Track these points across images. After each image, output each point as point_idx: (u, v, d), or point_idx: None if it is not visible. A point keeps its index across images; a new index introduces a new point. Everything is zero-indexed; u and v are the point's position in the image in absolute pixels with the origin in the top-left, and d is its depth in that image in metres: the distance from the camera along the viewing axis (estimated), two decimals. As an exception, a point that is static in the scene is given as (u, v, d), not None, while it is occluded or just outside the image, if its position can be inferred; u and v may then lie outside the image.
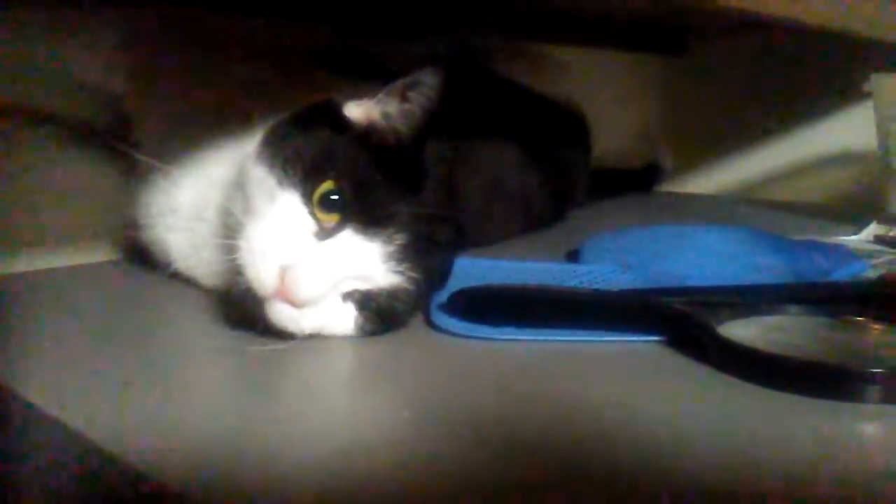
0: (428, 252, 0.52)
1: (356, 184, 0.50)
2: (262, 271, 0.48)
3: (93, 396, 0.43)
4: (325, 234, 0.50)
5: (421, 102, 0.53)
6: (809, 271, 0.68)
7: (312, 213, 0.50)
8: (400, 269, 0.51)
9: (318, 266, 0.48)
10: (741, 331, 0.50)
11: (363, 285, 0.51)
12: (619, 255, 0.72)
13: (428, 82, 0.52)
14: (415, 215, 0.51)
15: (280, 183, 0.50)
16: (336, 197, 0.50)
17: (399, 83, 0.53)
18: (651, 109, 1.51)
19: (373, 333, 0.52)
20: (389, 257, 0.50)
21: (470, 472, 0.36)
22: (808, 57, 1.27)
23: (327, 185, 0.50)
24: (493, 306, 0.56)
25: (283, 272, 0.48)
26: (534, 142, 0.93)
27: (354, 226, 0.50)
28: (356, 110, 0.55)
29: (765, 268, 0.69)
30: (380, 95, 0.54)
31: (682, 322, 0.52)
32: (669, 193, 1.40)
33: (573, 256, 0.77)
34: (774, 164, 1.36)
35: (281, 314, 0.49)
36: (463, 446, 0.38)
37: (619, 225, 0.89)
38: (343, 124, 0.54)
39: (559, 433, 0.40)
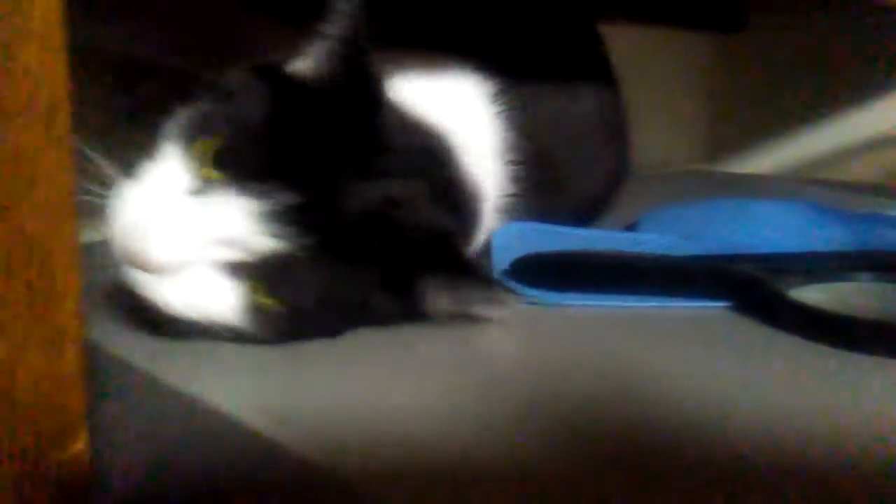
0: (348, 225, 0.43)
1: (251, 140, 0.43)
2: (117, 231, 0.41)
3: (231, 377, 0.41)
4: (201, 192, 0.42)
5: (342, 35, 0.44)
6: (875, 243, 0.67)
7: (195, 170, 0.42)
8: (286, 233, 0.41)
9: (175, 223, 0.40)
10: (812, 295, 0.49)
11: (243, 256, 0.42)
12: (681, 226, 0.71)
13: (342, 8, 0.44)
14: (338, 178, 0.43)
15: (167, 139, 0.43)
16: (224, 155, 0.42)
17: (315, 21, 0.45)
18: (706, 89, 1.48)
19: (266, 330, 0.43)
20: (270, 218, 0.41)
21: (537, 440, 0.35)
22: (870, 33, 1.24)
23: (213, 141, 0.42)
24: (558, 272, 0.56)
25: (135, 230, 0.40)
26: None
27: (237, 183, 0.41)
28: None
29: (830, 240, 0.68)
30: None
31: (751, 287, 0.51)
32: (725, 173, 1.38)
33: (631, 229, 0.76)
34: (833, 143, 1.33)
35: (139, 284, 0.42)
36: (529, 413, 0.38)
37: (674, 201, 0.88)
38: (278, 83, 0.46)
39: (629, 400, 0.40)
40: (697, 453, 0.34)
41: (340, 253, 0.43)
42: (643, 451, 0.34)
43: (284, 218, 0.41)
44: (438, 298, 0.46)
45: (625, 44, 1.28)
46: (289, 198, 0.41)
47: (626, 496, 0.30)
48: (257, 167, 0.41)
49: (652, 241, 0.68)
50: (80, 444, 0.33)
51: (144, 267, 0.40)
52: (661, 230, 0.72)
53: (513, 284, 0.55)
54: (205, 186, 0.41)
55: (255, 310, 0.42)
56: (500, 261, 0.58)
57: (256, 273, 0.42)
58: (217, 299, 0.42)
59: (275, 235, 0.41)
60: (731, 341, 0.49)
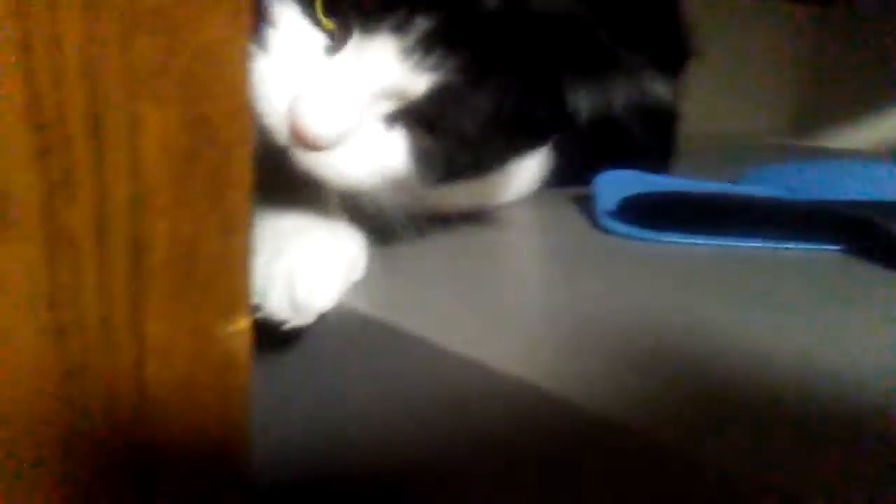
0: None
1: None
2: (270, 113, 0.39)
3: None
4: (336, 48, 0.39)
5: None
6: None
7: (318, 24, 0.40)
8: (431, 64, 0.38)
9: (329, 88, 0.38)
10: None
11: (401, 101, 0.40)
12: (784, 181, 0.71)
13: None
14: None
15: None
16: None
17: None
18: (794, 61, 1.45)
19: (434, 173, 0.42)
20: (416, 50, 0.38)
21: (644, 380, 0.36)
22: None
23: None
24: (666, 212, 0.57)
25: (294, 105, 0.38)
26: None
27: (366, 25, 0.38)
28: None
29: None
30: None
31: (865, 229, 0.51)
32: (817, 148, 1.35)
33: (735, 184, 0.76)
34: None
35: (309, 164, 0.40)
36: (639, 353, 0.39)
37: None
38: None
39: (742, 342, 0.39)
40: (807, 395, 0.34)
41: (494, 66, 0.40)
42: (750, 391, 0.34)
43: (429, 44, 0.38)
44: (587, 97, 0.42)
45: (722, 14, 1.27)
46: (426, 21, 0.38)
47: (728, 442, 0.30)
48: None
49: (757, 192, 0.68)
50: (243, 322, 0.35)
51: (312, 145, 0.38)
52: (765, 184, 0.72)
53: (619, 225, 0.56)
54: (337, 39, 0.39)
55: (425, 154, 0.41)
56: (606, 201, 0.59)
57: (418, 114, 0.40)
58: (386, 155, 0.41)
59: (426, 68, 0.38)
60: (845, 283, 0.49)
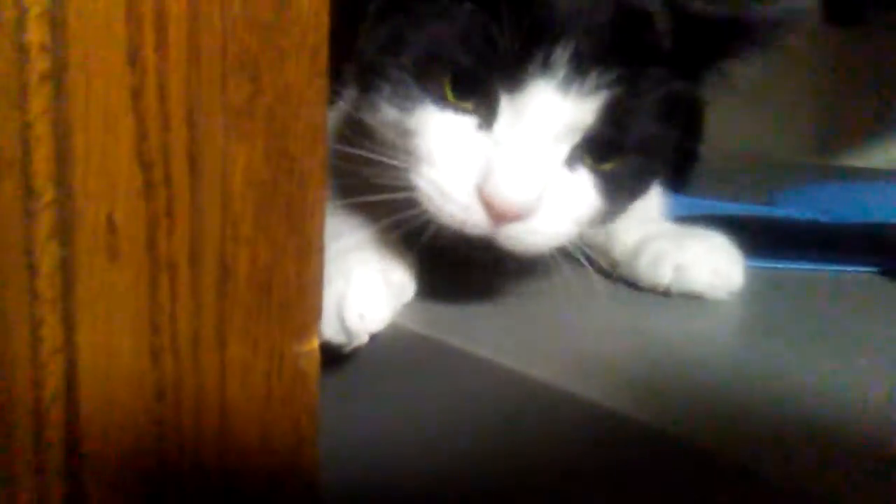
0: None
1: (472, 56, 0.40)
2: (459, 210, 0.40)
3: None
4: (488, 117, 0.41)
5: None
6: None
7: (458, 108, 0.41)
8: (591, 85, 0.39)
9: (509, 156, 0.39)
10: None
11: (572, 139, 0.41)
12: (817, 203, 0.72)
13: None
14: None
15: (408, 101, 0.41)
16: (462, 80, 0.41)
17: None
18: (818, 81, 1.46)
19: (621, 200, 0.44)
20: (568, 81, 0.39)
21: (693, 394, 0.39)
22: None
23: (449, 70, 0.41)
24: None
25: (481, 190, 0.39)
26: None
27: (503, 83, 0.40)
28: None
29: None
30: None
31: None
32: (834, 166, 1.36)
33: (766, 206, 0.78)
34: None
35: (514, 239, 0.40)
36: (686, 368, 0.41)
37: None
38: None
39: (788, 364, 0.41)
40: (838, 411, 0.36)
41: (647, 70, 0.41)
42: (799, 408, 0.36)
43: (581, 66, 0.39)
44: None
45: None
46: (568, 46, 0.39)
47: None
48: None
49: (794, 214, 0.70)
50: (314, 342, 0.38)
51: (518, 215, 0.39)
52: (796, 207, 0.73)
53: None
54: (485, 110, 0.41)
55: (611, 181, 0.42)
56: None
57: (594, 143, 0.41)
58: (580, 198, 0.42)
59: (587, 91, 0.39)
60: (880, 304, 0.50)
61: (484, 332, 0.43)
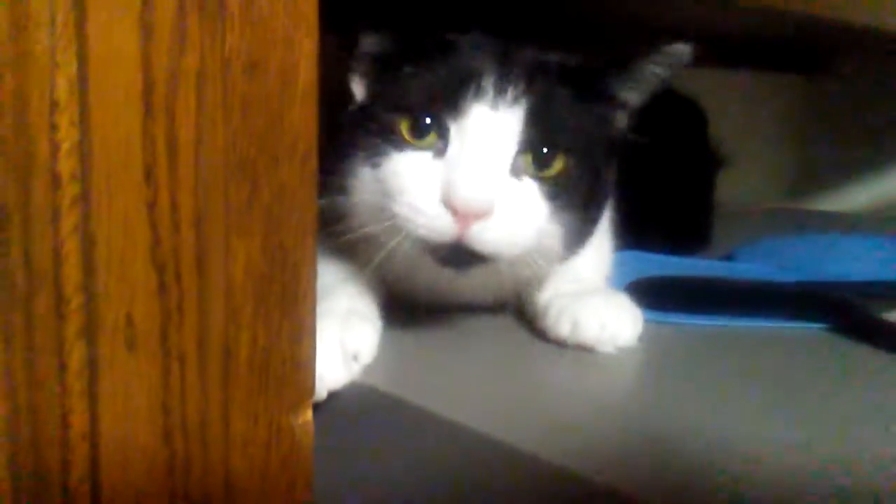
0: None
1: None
2: (428, 221, 0.49)
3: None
4: (440, 147, 0.51)
5: None
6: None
7: (416, 147, 0.51)
8: (522, 89, 0.51)
9: (465, 165, 0.49)
10: (902, 318, 0.56)
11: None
12: (775, 258, 0.77)
13: None
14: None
15: (377, 157, 0.52)
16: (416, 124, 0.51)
17: None
18: (788, 128, 1.53)
19: (568, 206, 0.53)
20: (501, 92, 0.51)
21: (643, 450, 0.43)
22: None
23: (405, 120, 0.52)
24: (665, 294, 0.63)
25: (446, 201, 0.48)
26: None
27: (449, 111, 0.51)
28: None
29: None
30: None
31: (846, 310, 0.57)
32: (807, 210, 1.42)
33: (727, 260, 0.82)
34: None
35: (480, 242, 0.49)
36: (644, 430, 0.45)
37: (762, 236, 0.94)
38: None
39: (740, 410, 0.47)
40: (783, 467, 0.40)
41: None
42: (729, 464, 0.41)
43: (511, 76, 0.52)
44: None
45: (717, 87, 1.35)
46: (495, 64, 0.52)
47: None
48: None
49: (748, 270, 0.75)
50: (308, 415, 0.41)
51: (477, 212, 0.48)
52: (757, 261, 0.78)
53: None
54: (437, 142, 0.51)
55: (547, 184, 0.52)
56: (613, 285, 0.66)
57: (535, 142, 0.51)
58: (533, 206, 0.52)
59: (520, 93, 0.51)
60: (831, 357, 0.55)
61: (442, 391, 0.47)
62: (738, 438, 0.41)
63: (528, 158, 0.52)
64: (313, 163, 0.40)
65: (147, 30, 0.32)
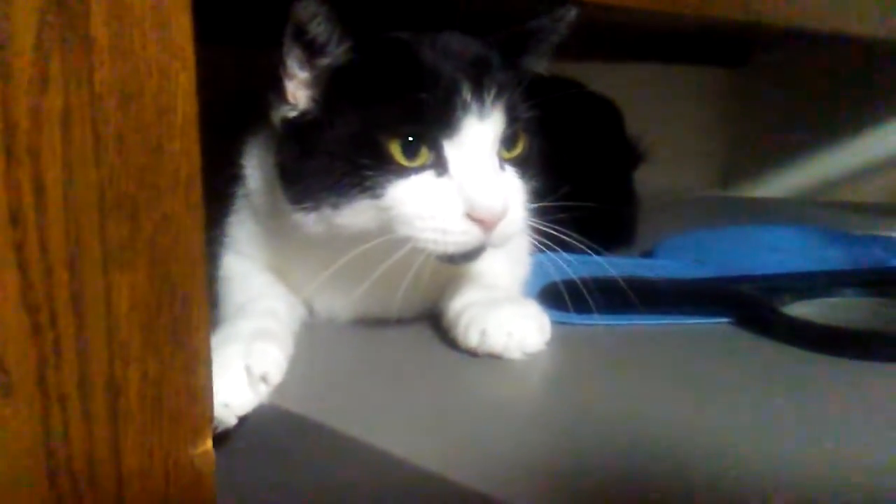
0: None
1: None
2: (454, 235, 0.51)
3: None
4: (440, 164, 0.53)
5: None
6: (869, 261, 0.74)
7: (415, 169, 0.52)
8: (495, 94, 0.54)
9: (475, 174, 0.52)
10: (803, 310, 0.57)
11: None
12: (692, 251, 0.79)
13: None
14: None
15: (378, 188, 0.52)
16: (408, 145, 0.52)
17: None
18: (716, 119, 1.56)
19: (527, 173, 0.58)
20: (481, 102, 0.53)
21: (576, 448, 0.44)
22: (866, 65, 1.32)
23: (395, 143, 0.52)
24: (580, 296, 0.64)
25: (470, 214, 0.51)
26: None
27: (441, 129, 0.52)
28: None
29: (828, 259, 0.76)
30: None
31: (749, 304, 0.59)
32: (738, 198, 1.46)
33: (648, 255, 0.84)
34: (841, 166, 1.41)
35: (500, 237, 0.53)
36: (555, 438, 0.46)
37: (689, 227, 0.96)
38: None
39: (656, 408, 0.48)
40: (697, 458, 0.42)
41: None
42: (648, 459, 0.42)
43: (486, 85, 0.54)
44: None
45: (641, 80, 1.38)
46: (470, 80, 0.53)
47: None
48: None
49: (666, 266, 0.76)
50: (207, 444, 0.41)
51: (501, 216, 0.52)
52: (675, 256, 0.80)
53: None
54: (433, 159, 0.53)
55: (516, 162, 0.57)
56: (528, 288, 0.66)
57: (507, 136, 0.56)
58: (515, 186, 0.56)
59: (496, 97, 0.54)
60: (734, 350, 0.57)
61: (354, 409, 0.47)
62: (646, 438, 0.42)
63: (504, 147, 0.56)
64: (197, 192, 0.40)
65: (4, 71, 0.32)
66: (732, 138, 1.54)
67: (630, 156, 0.94)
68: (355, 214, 0.53)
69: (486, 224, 0.52)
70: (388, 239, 0.52)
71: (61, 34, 0.33)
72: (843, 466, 0.39)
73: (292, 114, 0.55)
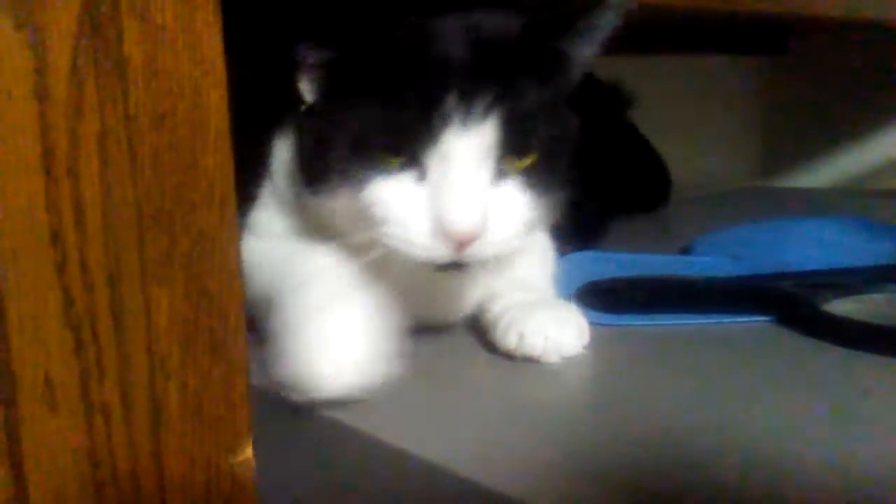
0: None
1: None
2: (425, 250, 0.48)
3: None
4: (421, 168, 0.49)
5: None
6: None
7: (397, 169, 0.49)
8: (489, 100, 0.48)
9: (449, 190, 0.47)
10: (845, 307, 0.56)
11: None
12: (731, 247, 0.78)
13: None
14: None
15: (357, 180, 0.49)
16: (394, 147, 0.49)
17: None
18: (754, 108, 1.54)
19: (545, 192, 0.51)
20: (468, 108, 0.48)
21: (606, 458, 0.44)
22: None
23: (388, 157, 0.49)
24: (618, 296, 0.64)
25: (438, 229, 0.47)
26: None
27: (429, 133, 0.48)
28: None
29: (872, 253, 0.74)
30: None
31: (789, 303, 0.58)
32: (777, 188, 1.43)
33: (686, 251, 0.83)
34: (879, 154, 1.38)
35: (475, 255, 0.48)
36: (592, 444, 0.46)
37: (729, 220, 0.94)
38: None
39: (692, 412, 0.48)
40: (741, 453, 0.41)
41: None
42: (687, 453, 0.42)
43: (477, 92, 0.48)
44: None
45: (679, 72, 1.36)
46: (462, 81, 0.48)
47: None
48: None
49: (703, 262, 0.75)
50: (247, 453, 0.42)
51: (471, 236, 0.47)
52: (713, 252, 0.79)
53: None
54: (416, 163, 0.49)
55: (525, 176, 0.51)
56: (565, 288, 0.66)
57: (506, 148, 0.49)
58: (513, 204, 0.50)
59: (489, 103, 0.48)
60: (772, 351, 0.56)
61: (397, 418, 0.47)
62: (687, 442, 0.42)
63: (507, 158, 0.50)
64: (232, 207, 0.40)
65: (42, 96, 0.33)
66: (771, 127, 1.51)
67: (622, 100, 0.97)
68: (336, 202, 0.51)
69: (453, 243, 0.48)
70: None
71: (95, 57, 0.34)
72: (890, 469, 0.39)
73: (304, 105, 0.54)
